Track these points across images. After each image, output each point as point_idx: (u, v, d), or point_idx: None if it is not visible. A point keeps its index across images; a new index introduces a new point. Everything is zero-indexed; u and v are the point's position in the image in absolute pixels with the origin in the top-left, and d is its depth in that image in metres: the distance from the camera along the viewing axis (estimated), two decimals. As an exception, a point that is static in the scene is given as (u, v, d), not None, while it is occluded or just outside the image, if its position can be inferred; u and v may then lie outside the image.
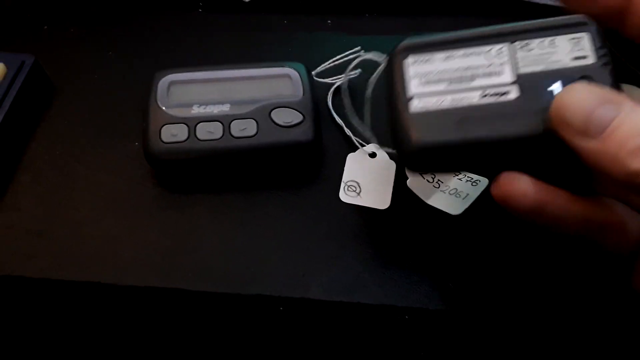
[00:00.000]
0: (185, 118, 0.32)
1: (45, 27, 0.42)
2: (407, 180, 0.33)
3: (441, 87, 0.25)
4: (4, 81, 0.35)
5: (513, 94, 0.24)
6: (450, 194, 0.32)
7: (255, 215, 0.33)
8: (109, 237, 0.32)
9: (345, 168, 0.34)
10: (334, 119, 0.36)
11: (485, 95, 0.24)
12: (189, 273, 0.31)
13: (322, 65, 0.37)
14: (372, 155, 0.35)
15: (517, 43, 0.25)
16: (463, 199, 0.31)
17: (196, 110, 0.33)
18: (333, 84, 0.38)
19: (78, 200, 0.33)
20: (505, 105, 0.24)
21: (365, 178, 0.34)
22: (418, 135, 0.24)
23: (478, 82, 0.25)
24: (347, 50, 0.38)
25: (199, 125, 0.32)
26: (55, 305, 0.31)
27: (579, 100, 0.21)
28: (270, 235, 0.32)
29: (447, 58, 0.25)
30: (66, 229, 0.32)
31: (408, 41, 0.26)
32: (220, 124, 0.32)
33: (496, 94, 0.24)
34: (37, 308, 0.31)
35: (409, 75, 0.25)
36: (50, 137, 0.36)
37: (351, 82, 0.37)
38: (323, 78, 0.37)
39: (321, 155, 0.35)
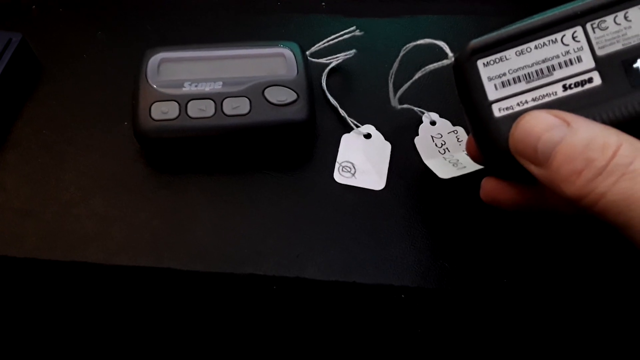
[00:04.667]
0: (176, 96, 0.32)
1: (34, 6, 0.41)
2: (415, 138, 0.33)
3: (520, 87, 0.24)
4: (-11, 59, 0.34)
5: (597, 79, 0.23)
6: (450, 162, 0.31)
7: (248, 196, 0.32)
8: (98, 217, 0.31)
9: (340, 148, 0.34)
10: (328, 99, 0.36)
11: (569, 87, 0.23)
12: (181, 253, 0.30)
13: (317, 45, 0.37)
14: (367, 136, 0.35)
15: (589, 24, 0.23)
16: (458, 169, 0.31)
17: (187, 88, 0.32)
18: (327, 64, 0.37)
19: (66, 180, 0.32)
20: (592, 93, 0.23)
21: (360, 159, 0.34)
22: (506, 142, 0.23)
23: (558, 74, 0.23)
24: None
25: (190, 102, 0.32)
26: (42, 286, 0.30)
27: (527, 131, 0.22)
28: (264, 216, 0.31)
29: (520, 53, 0.24)
30: (54, 209, 0.31)
31: (474, 42, 0.24)
32: (212, 102, 0.32)
33: (580, 83, 0.23)
34: (24, 288, 0.30)
35: (484, 80, 0.24)
36: (38, 116, 0.35)
37: (345, 62, 0.37)
38: (317, 58, 0.37)
39: (315, 135, 0.35)
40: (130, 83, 0.33)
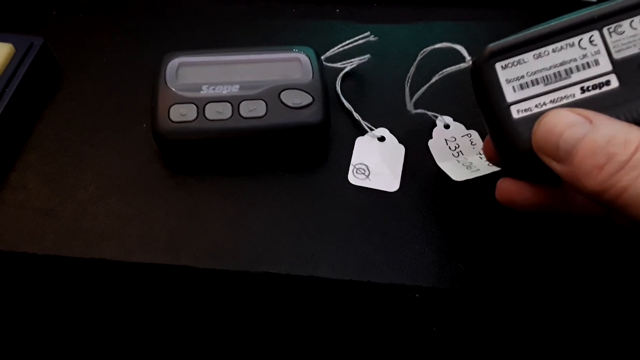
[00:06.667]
0: (194, 98, 0.32)
1: (54, 12, 0.42)
2: (429, 141, 0.33)
3: (538, 89, 0.24)
4: (12, 62, 0.35)
5: (614, 82, 0.23)
6: (463, 164, 0.32)
7: (264, 197, 0.33)
8: (116, 215, 0.32)
9: (354, 151, 0.34)
10: (343, 103, 0.36)
11: (587, 89, 0.24)
12: (197, 251, 0.30)
13: (332, 49, 0.37)
14: (381, 139, 0.35)
15: (606, 28, 0.24)
16: (472, 171, 0.31)
17: (205, 91, 0.33)
18: (342, 69, 0.37)
19: (85, 180, 0.33)
20: (610, 95, 0.23)
21: (374, 161, 0.34)
22: (525, 143, 0.24)
23: (575, 77, 0.24)
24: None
25: (207, 105, 0.32)
26: (61, 283, 0.31)
27: (549, 128, 0.22)
28: (279, 217, 0.32)
29: (538, 57, 0.24)
30: (73, 208, 0.32)
31: (493, 46, 0.25)
32: (229, 105, 0.32)
33: (597, 86, 0.24)
34: (44, 285, 0.31)
35: (502, 82, 0.25)
36: (58, 118, 0.36)
37: (360, 67, 0.38)
38: (332, 63, 0.37)
39: (330, 138, 0.35)
40: (148, 86, 0.34)
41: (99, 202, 0.32)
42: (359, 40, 0.37)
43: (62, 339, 0.32)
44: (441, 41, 0.29)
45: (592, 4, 0.25)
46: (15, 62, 0.35)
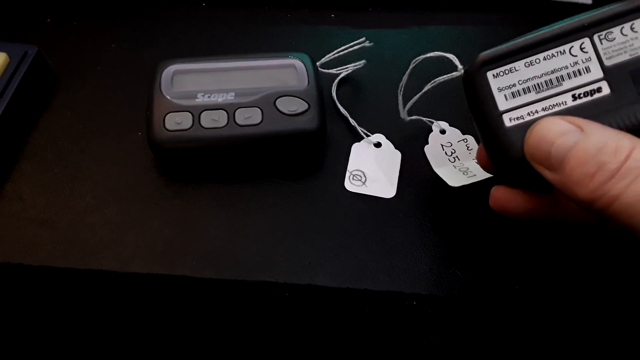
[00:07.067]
0: (189, 106, 0.32)
1: (49, 19, 0.42)
2: (426, 146, 0.33)
3: (530, 97, 0.24)
4: (6, 71, 0.35)
5: (606, 89, 0.23)
6: (460, 170, 0.32)
7: (260, 204, 0.32)
8: (112, 225, 0.32)
9: (351, 157, 0.34)
10: (339, 109, 0.36)
11: (578, 96, 0.24)
12: (193, 261, 0.30)
13: (327, 56, 0.37)
14: (378, 145, 0.35)
15: (597, 35, 0.24)
16: (468, 177, 0.31)
17: (200, 99, 0.33)
18: (337, 75, 0.37)
19: (81, 190, 0.33)
20: (602, 102, 0.23)
21: (371, 167, 0.34)
22: (517, 151, 0.24)
23: (567, 84, 0.24)
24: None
25: (203, 113, 0.32)
26: (57, 294, 0.31)
27: (541, 136, 0.22)
28: (276, 224, 0.32)
29: (529, 65, 0.24)
30: (69, 218, 0.32)
31: (484, 55, 0.25)
32: (224, 112, 0.32)
33: (589, 93, 0.24)
34: (40, 296, 0.31)
35: (494, 90, 0.25)
36: (53, 127, 0.36)
37: (355, 73, 0.38)
38: (327, 69, 0.37)
39: (326, 144, 0.35)
40: (144, 93, 0.34)
41: (95, 211, 0.32)
42: (355, 45, 0.37)
43: (59, 350, 0.31)
44: (437, 46, 0.29)
45: (588, 7, 0.25)
46: (9, 71, 0.35)
